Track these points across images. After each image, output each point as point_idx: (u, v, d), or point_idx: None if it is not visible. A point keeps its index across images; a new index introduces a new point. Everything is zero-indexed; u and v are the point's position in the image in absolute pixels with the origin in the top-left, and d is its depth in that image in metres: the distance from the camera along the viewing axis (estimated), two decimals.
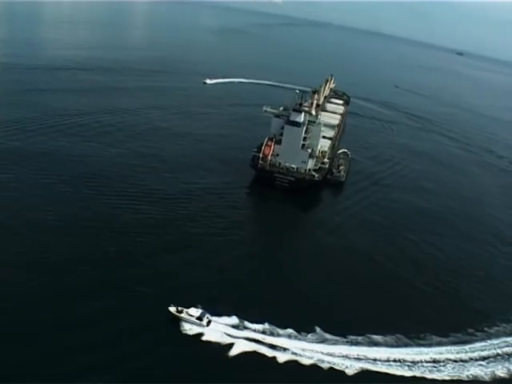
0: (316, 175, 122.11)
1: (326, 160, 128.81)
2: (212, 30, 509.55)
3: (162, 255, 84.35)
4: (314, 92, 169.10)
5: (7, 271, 73.17)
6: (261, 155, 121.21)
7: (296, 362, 64.92)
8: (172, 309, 68.25)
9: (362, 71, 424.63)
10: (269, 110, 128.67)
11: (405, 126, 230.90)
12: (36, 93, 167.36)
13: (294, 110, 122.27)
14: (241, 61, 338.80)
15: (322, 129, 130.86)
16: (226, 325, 68.35)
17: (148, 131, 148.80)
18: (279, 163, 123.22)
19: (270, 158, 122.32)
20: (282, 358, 64.78)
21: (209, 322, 67.33)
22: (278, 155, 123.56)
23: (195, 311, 67.99)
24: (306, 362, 65.32)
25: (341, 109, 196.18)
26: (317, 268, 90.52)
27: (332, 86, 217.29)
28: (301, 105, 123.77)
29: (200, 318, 67.17)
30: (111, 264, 79.33)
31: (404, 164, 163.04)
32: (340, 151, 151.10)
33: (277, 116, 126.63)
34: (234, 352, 64.31)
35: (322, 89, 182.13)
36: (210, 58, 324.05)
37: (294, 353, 66.01)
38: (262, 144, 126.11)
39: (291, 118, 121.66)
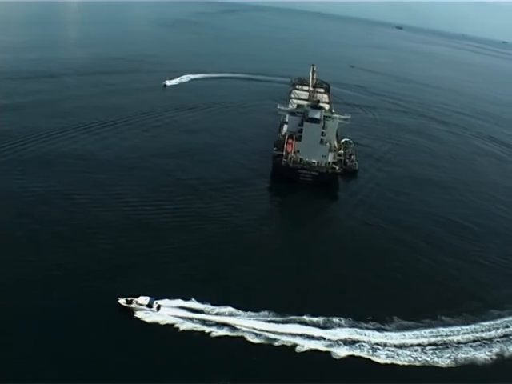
0: (337, 167, 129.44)
1: (341, 151, 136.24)
2: (153, 22, 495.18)
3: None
4: (294, 84, 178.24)
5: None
6: (284, 153, 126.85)
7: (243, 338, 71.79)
8: (122, 300, 73.48)
9: (313, 54, 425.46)
10: (283, 108, 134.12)
11: (381, 107, 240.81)
12: None
13: (312, 107, 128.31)
14: (195, 54, 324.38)
15: None
16: (176, 307, 74.97)
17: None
18: (300, 159, 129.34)
19: (292, 154, 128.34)
20: (230, 334, 72.02)
21: (158, 307, 73.60)
22: (298, 151, 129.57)
23: (144, 299, 73.67)
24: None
25: (325, 97, 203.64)
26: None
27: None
28: (318, 101, 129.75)
29: (150, 305, 73.16)
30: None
31: (398, 142, 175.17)
32: (343, 140, 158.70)
33: (292, 114, 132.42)
34: (182, 331, 71.17)
35: (310, 79, 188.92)
36: (162, 53, 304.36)
37: (237, 330, 73.12)
38: (278, 142, 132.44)
39: (310, 115, 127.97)
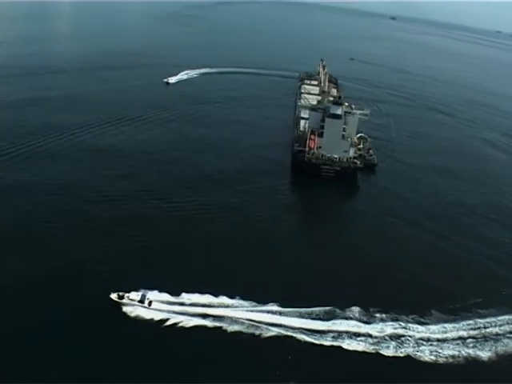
0: (358, 162, 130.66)
1: (360, 146, 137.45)
2: (148, 16, 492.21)
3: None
4: (303, 78, 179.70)
5: None
6: (306, 149, 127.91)
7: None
8: (113, 295, 73.71)
9: (311, 46, 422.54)
10: (304, 104, 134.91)
11: (386, 100, 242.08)
12: None
13: (334, 103, 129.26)
14: (195, 47, 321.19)
15: None
16: (167, 303, 75.09)
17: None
18: (322, 155, 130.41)
19: (314, 150, 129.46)
20: (229, 328, 72.56)
21: (150, 303, 73.74)
22: (320, 147, 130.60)
23: (136, 295, 74.17)
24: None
25: (334, 91, 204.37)
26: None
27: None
28: (340, 97, 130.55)
29: (141, 301, 73.51)
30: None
31: (407, 134, 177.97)
32: (358, 135, 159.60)
33: (313, 110, 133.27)
34: (174, 326, 71.61)
35: (320, 74, 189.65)
36: (161, 48, 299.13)
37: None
38: (300, 138, 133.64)
39: (332, 111, 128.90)
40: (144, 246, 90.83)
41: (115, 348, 66.89)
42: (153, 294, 76.06)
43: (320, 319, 77.26)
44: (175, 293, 77.07)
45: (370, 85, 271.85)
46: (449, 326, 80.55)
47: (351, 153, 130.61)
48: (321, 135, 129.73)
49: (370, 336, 75.47)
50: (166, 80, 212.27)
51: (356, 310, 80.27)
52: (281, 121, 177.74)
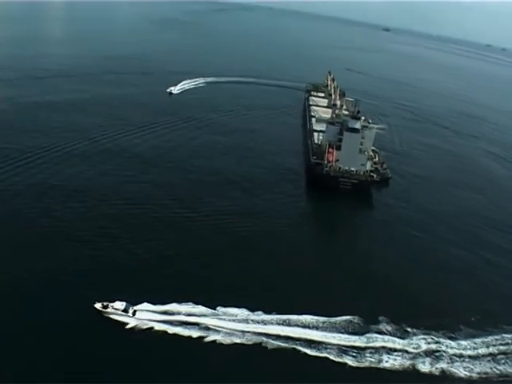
0: (375, 176, 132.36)
1: (376, 159, 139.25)
2: (145, 21, 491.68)
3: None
4: (309, 90, 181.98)
5: None
6: (325, 161, 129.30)
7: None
8: (98, 305, 72.97)
9: (307, 56, 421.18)
10: (321, 118, 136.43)
11: (386, 112, 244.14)
12: None
13: (352, 117, 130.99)
14: (195, 55, 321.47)
15: None
16: (151, 312, 74.80)
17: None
18: (339, 167, 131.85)
19: (332, 163, 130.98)
20: (209, 337, 72.06)
21: (134, 313, 73.19)
22: (337, 160, 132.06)
23: (120, 304, 73.41)
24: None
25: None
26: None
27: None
28: (358, 112, 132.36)
29: (126, 310, 72.98)
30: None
31: (414, 147, 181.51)
32: None
33: (331, 123, 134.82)
34: (159, 335, 71.00)
35: (332, 87, 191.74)
36: (160, 55, 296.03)
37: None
38: (317, 151, 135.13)
39: (350, 125, 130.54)
40: (144, 252, 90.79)
41: (97, 359, 65.84)
42: (142, 305, 75.32)
43: (355, 334, 77.62)
44: (167, 303, 76.37)
45: (368, 95, 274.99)
46: (478, 340, 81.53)
47: (368, 166, 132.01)
48: (338, 148, 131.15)
49: (406, 351, 76.05)
50: (169, 90, 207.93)
51: (386, 323, 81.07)
52: (289, 130, 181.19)
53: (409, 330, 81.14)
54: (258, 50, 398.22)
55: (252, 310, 78.50)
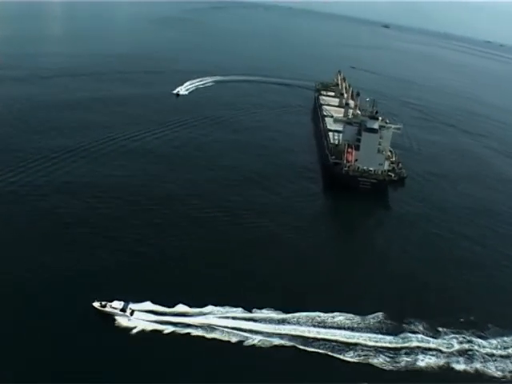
0: (393, 175, 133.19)
1: (393, 159, 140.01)
2: (146, 20, 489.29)
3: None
4: (319, 89, 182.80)
5: None
6: (344, 161, 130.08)
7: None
8: (96, 304, 73.22)
9: (311, 54, 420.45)
10: (339, 118, 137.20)
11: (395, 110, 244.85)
12: None
13: (370, 118, 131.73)
14: (200, 53, 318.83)
15: None
16: (149, 312, 74.84)
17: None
18: (358, 167, 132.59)
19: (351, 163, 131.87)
20: (207, 335, 72.31)
21: (132, 312, 73.32)
22: (356, 160, 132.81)
23: (118, 304, 73.57)
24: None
25: (352, 103, 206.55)
26: None
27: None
28: (376, 112, 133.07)
29: (123, 310, 73.13)
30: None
31: (426, 145, 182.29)
32: None
33: (349, 123, 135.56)
34: (155, 335, 71.08)
35: (344, 86, 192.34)
36: (165, 54, 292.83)
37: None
38: (336, 151, 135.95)
39: (368, 126, 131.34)
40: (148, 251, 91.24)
41: (91, 359, 66.00)
42: (142, 305, 75.54)
43: (389, 334, 78.36)
44: (170, 304, 76.32)
45: (375, 94, 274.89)
46: (507, 339, 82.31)
47: (386, 166, 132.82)
48: (357, 148, 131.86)
49: (440, 351, 76.86)
50: (175, 91, 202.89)
51: (417, 322, 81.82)
52: (300, 128, 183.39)
53: (440, 329, 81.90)
54: (266, 49, 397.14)
55: (279, 310, 79.24)
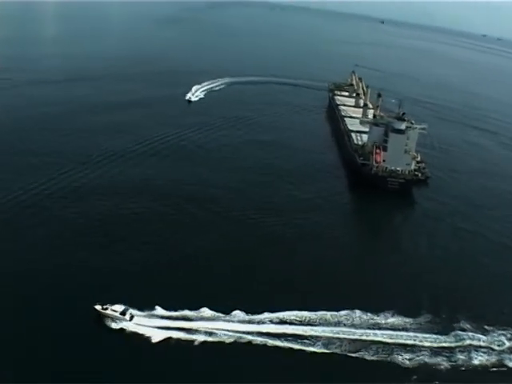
0: (419, 175, 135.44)
1: (419, 159, 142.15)
2: (147, 20, 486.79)
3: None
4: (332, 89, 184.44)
5: None
6: (374, 162, 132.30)
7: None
8: (98, 306, 74.55)
9: (313, 51, 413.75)
10: (365, 120, 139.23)
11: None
12: None
13: (397, 119, 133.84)
14: (206, 53, 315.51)
15: None
16: (149, 318, 75.20)
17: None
18: (386, 168, 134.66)
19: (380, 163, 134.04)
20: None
21: (131, 317, 74.10)
22: (384, 160, 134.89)
23: (118, 307, 74.64)
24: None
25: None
26: None
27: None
28: (403, 114, 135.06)
29: (123, 313, 73.95)
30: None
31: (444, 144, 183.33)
32: None
33: (375, 125, 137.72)
34: (154, 341, 71.43)
35: (360, 86, 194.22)
36: (170, 56, 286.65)
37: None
38: (363, 152, 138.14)
39: (396, 127, 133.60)
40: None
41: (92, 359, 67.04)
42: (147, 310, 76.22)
43: (442, 333, 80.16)
44: (173, 308, 76.65)
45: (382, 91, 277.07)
46: None
47: (413, 166, 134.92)
48: (385, 149, 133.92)
49: (491, 349, 78.73)
50: (187, 98, 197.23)
51: (464, 320, 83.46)
52: (318, 128, 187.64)
53: (486, 327, 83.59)
54: (267, 49, 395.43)
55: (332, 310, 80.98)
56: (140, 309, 75.96)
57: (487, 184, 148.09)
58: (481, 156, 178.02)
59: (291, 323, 77.64)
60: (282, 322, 77.64)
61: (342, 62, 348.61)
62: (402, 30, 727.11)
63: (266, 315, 77.87)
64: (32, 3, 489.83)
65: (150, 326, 73.79)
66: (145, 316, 75.56)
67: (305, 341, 74.39)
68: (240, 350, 71.15)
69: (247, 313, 77.39)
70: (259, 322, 76.52)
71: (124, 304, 75.62)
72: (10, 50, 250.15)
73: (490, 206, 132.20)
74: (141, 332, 72.61)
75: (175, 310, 76.24)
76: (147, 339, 71.54)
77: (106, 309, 74.26)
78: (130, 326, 73.29)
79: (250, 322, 76.32)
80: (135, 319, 74.48)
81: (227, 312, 76.82)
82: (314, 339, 74.99)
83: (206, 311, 76.80)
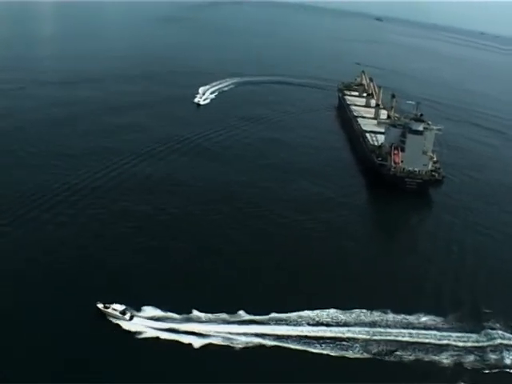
0: (436, 175, 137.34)
1: (435, 159, 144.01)
2: (147, 20, 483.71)
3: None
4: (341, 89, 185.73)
5: None
6: (392, 163, 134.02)
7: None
8: (100, 305, 76.30)
9: (313, 50, 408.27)
10: (383, 121, 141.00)
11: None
12: None
13: (415, 120, 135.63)
14: (211, 52, 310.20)
15: None
16: (149, 319, 75.98)
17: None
18: (403, 168, 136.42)
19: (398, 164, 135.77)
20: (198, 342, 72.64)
21: (131, 317, 75.22)
22: (402, 161, 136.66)
23: (119, 306, 76.17)
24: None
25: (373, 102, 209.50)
26: None
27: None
28: (421, 115, 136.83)
29: (123, 313, 75.28)
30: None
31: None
32: None
33: (393, 126, 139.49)
34: (154, 341, 72.34)
35: (372, 86, 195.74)
36: (173, 56, 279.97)
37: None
38: (380, 152, 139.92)
39: (414, 128, 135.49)
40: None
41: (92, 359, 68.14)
42: (147, 310, 77.35)
43: (473, 332, 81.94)
44: (178, 310, 77.58)
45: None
46: None
47: (430, 166, 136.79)
48: (402, 150, 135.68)
49: None
50: (196, 101, 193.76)
51: (493, 319, 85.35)
52: (329, 127, 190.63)
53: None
54: (266, 48, 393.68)
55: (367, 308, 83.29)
56: (144, 308, 77.44)
57: (504, 180, 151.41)
58: (489, 154, 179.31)
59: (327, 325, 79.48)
60: (319, 323, 79.70)
61: (342, 61, 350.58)
62: (408, 28, 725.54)
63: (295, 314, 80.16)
64: (32, 3, 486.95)
65: (149, 327, 74.72)
66: (146, 318, 76.32)
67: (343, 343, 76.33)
68: (239, 351, 72.56)
69: (248, 313, 79.11)
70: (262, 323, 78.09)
71: (126, 302, 77.36)
72: (12, 51, 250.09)
73: (507, 202, 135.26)
74: (141, 332, 73.50)
75: (179, 314, 77.17)
76: (147, 339, 72.53)
77: (108, 307, 76.26)
78: (130, 326, 74.30)
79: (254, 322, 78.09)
80: (135, 319, 75.65)
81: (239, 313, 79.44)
82: (351, 341, 76.74)
83: (222, 315, 77.66)
